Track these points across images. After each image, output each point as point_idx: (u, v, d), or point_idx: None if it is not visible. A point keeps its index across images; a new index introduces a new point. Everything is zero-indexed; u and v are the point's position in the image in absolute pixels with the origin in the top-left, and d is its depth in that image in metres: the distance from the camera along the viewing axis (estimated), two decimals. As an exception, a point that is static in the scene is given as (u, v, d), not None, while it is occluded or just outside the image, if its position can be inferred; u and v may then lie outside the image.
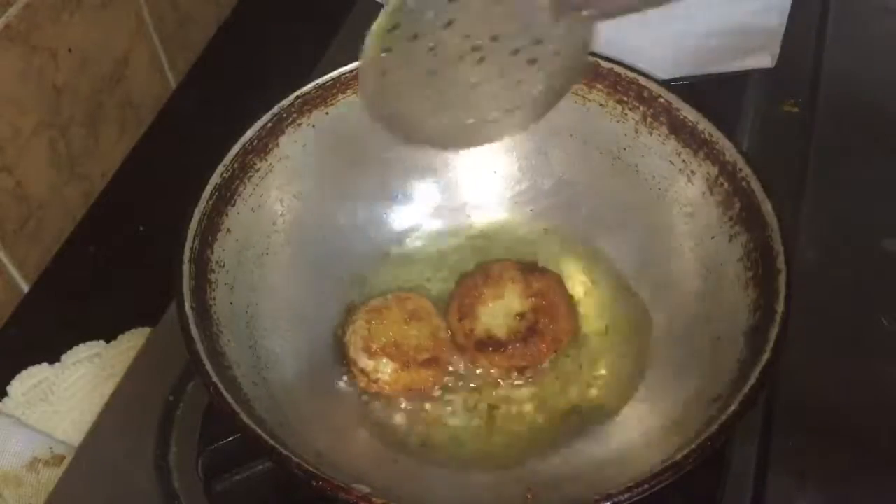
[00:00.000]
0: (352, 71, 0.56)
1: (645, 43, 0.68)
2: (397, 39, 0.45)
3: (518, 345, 0.53)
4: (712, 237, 0.51)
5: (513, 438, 0.51)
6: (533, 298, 0.54)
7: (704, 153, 0.52)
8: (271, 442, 0.40)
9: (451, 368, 0.53)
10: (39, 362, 0.60)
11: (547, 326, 0.53)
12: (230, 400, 0.42)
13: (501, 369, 0.53)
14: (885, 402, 0.55)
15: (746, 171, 0.50)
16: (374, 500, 0.39)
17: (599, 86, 0.56)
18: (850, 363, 0.56)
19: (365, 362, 0.51)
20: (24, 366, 0.60)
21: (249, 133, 0.53)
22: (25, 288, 0.65)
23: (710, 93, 0.68)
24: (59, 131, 0.65)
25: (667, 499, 0.39)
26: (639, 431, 0.48)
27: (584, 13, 0.46)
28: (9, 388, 0.59)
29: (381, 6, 0.78)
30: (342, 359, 0.53)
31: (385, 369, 0.51)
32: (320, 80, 0.55)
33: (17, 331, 0.64)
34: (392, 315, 0.53)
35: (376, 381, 0.51)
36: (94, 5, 0.66)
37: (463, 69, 0.46)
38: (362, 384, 0.52)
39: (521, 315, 0.54)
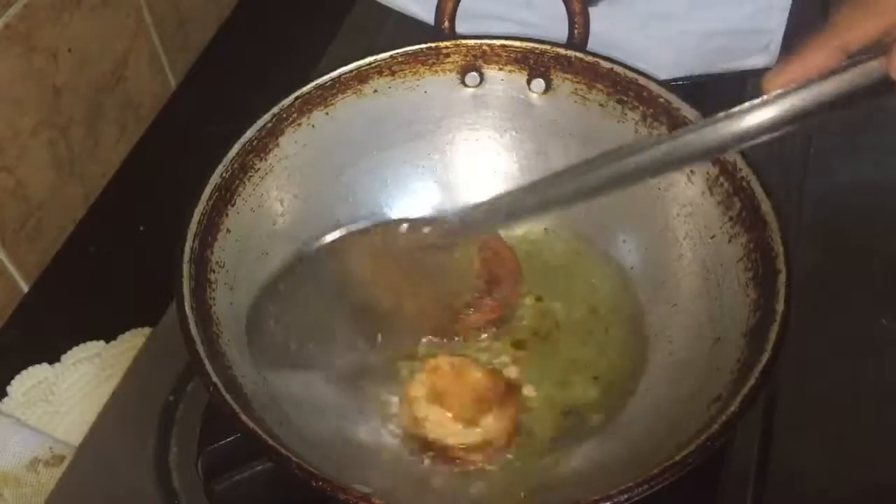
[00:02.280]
0: (351, 71, 0.56)
1: (645, 43, 0.68)
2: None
3: (486, 299, 0.54)
4: (712, 237, 0.51)
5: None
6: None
7: (704, 153, 0.52)
8: (271, 442, 0.40)
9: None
10: (39, 362, 0.60)
11: (503, 272, 0.55)
12: (230, 400, 0.42)
13: (479, 327, 0.54)
14: (886, 401, 0.55)
15: (746, 170, 0.50)
16: (373, 500, 0.39)
17: (599, 86, 0.56)
18: (850, 363, 0.57)
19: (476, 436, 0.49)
20: (24, 366, 0.60)
21: (249, 133, 0.53)
22: (25, 288, 0.65)
23: (710, 93, 0.68)
24: (59, 131, 0.65)
25: (667, 499, 0.39)
26: (638, 431, 0.48)
27: None
28: (9, 388, 0.59)
29: (380, 6, 0.78)
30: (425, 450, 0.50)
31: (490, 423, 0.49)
32: (320, 80, 0.55)
33: (17, 331, 0.63)
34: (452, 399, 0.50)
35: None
36: (94, 5, 0.66)
37: None
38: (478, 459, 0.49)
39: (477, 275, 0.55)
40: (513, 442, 0.50)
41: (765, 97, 0.38)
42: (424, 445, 0.49)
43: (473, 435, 0.49)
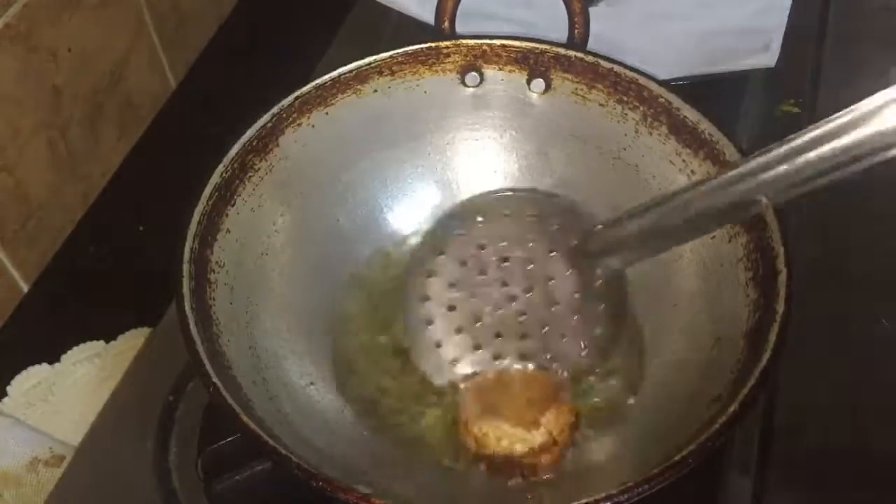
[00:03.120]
0: (351, 71, 0.56)
1: (645, 43, 0.68)
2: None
3: None
4: (712, 237, 0.51)
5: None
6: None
7: (705, 153, 0.52)
8: (271, 442, 0.40)
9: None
10: (39, 362, 0.60)
11: None
12: (230, 400, 0.42)
13: None
14: (886, 402, 0.55)
15: (746, 171, 0.50)
16: (374, 500, 0.39)
17: (599, 86, 0.56)
18: (850, 363, 0.56)
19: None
20: (24, 366, 0.60)
21: (249, 133, 0.53)
22: (25, 288, 0.65)
23: (710, 93, 0.68)
24: (59, 131, 0.65)
25: (667, 499, 0.39)
26: (638, 432, 0.48)
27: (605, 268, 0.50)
28: (9, 388, 0.59)
29: (380, 6, 0.78)
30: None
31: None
32: (320, 80, 0.55)
33: (17, 331, 0.63)
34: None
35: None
36: (94, 5, 0.66)
37: (507, 322, 0.50)
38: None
39: None
40: (573, 436, 0.48)
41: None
42: (492, 463, 0.48)
43: (539, 436, 0.47)
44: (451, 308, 0.51)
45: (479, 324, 0.50)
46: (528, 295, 0.50)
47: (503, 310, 0.50)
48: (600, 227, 0.51)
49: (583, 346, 0.49)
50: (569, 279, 0.51)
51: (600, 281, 0.50)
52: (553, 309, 0.50)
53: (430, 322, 0.51)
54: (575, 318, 0.49)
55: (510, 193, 0.54)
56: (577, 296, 0.50)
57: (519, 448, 0.47)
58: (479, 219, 0.53)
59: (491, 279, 0.51)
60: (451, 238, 0.53)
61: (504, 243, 0.52)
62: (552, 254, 0.51)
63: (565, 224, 0.52)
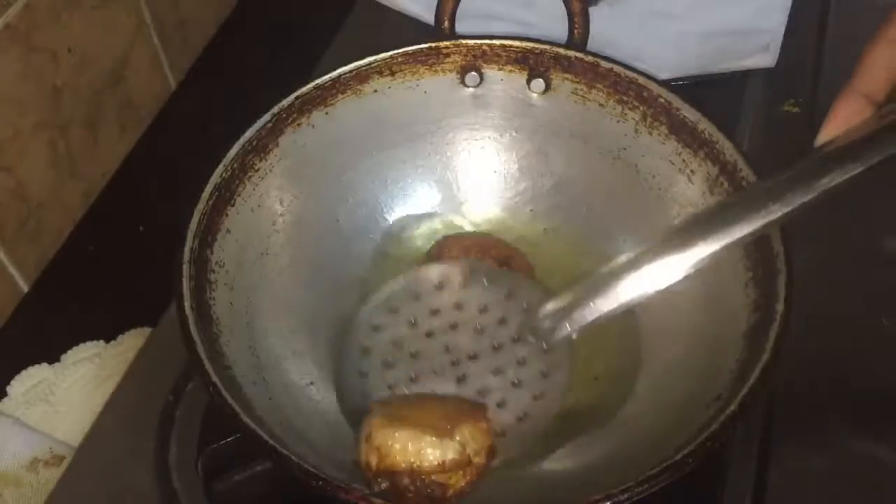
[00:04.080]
0: (351, 71, 0.56)
1: (645, 43, 0.68)
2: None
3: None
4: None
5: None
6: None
7: (704, 153, 0.52)
8: (271, 442, 0.40)
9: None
10: (39, 362, 0.60)
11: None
12: (230, 400, 0.42)
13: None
14: (886, 402, 0.55)
15: (746, 171, 0.50)
16: (374, 500, 0.39)
17: (599, 86, 0.56)
18: (850, 363, 0.57)
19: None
20: (24, 366, 0.60)
21: (249, 133, 0.53)
22: (25, 288, 0.65)
23: (710, 93, 0.68)
24: (59, 131, 0.65)
25: (667, 499, 0.39)
26: (638, 432, 0.48)
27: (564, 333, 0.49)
28: (9, 388, 0.59)
29: (380, 6, 0.78)
30: None
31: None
32: (320, 80, 0.55)
33: (17, 331, 0.64)
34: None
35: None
36: (94, 5, 0.66)
37: (444, 385, 0.49)
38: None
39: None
40: (488, 465, 0.43)
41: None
42: (397, 480, 0.41)
43: (452, 448, 0.41)
44: (388, 365, 0.50)
45: (413, 384, 0.49)
46: (471, 361, 0.49)
47: (442, 374, 0.49)
48: (551, 300, 0.50)
49: (521, 415, 0.47)
50: (516, 347, 0.50)
51: (549, 348, 0.49)
52: (495, 376, 0.49)
53: (363, 374, 0.50)
54: (516, 387, 0.48)
55: (473, 263, 0.54)
56: (522, 364, 0.49)
57: (428, 458, 0.41)
58: (437, 284, 0.53)
59: (436, 343, 0.50)
60: (406, 299, 0.53)
61: (457, 311, 0.52)
62: (503, 323, 0.51)
63: (520, 294, 0.52)
